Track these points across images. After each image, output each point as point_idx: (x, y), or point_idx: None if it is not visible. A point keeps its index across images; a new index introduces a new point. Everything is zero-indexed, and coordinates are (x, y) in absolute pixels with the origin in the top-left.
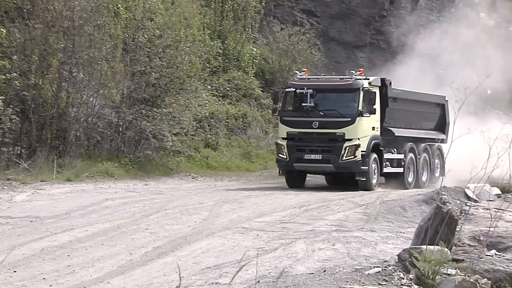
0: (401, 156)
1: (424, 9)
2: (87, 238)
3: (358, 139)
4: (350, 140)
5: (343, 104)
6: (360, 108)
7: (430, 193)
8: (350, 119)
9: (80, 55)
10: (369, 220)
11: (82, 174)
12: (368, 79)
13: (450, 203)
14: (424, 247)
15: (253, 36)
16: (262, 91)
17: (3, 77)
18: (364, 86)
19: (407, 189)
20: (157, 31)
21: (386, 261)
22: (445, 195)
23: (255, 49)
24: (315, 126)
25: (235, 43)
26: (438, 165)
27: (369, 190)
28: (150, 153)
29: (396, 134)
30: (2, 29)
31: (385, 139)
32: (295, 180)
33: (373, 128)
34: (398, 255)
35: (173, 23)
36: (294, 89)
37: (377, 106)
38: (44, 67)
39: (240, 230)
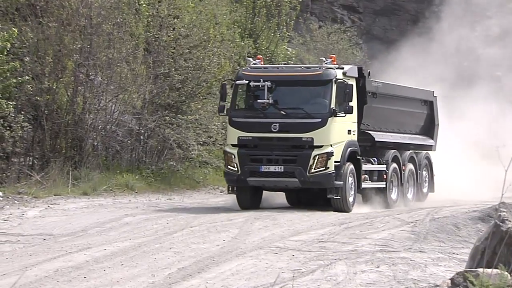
0: (383, 167)
1: (479, 3)
2: (105, 258)
3: (331, 145)
4: (320, 147)
5: (311, 100)
6: (332, 105)
7: (487, 210)
8: (320, 120)
9: (98, 56)
10: (418, 239)
11: (100, 188)
12: (342, 68)
13: (510, 220)
14: (480, 270)
15: (288, 34)
16: None
17: (14, 80)
18: (337, 77)
19: (389, 208)
20: (183, 30)
21: (437, 286)
22: (504, 211)
23: (290, 49)
24: (275, 129)
25: (268, 42)
26: (426, 178)
27: (344, 211)
28: (174, 164)
29: (376, 139)
30: (14, 29)
31: (363, 146)
32: (248, 198)
33: (349, 132)
34: (451, 279)
35: (201, 21)
36: (247, 82)
37: (354, 103)
38: (58, 70)
39: (274, 250)
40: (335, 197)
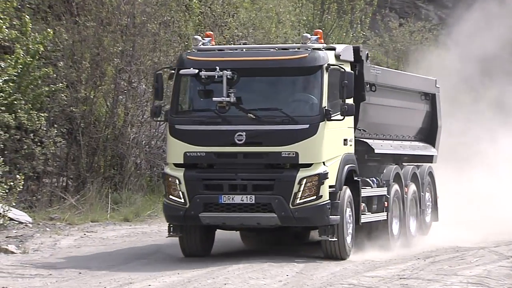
0: (383, 190)
1: None
2: None
3: (323, 163)
4: (308, 166)
5: (293, 97)
6: (324, 104)
7: None
8: (307, 126)
9: (142, 61)
10: None
11: (143, 213)
12: (334, 49)
13: None
14: None
15: (363, 34)
16: None
17: (47, 89)
18: (330, 62)
19: (391, 248)
20: (239, 30)
21: None
22: None
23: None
24: (240, 140)
25: (339, 43)
26: (429, 202)
27: (341, 258)
28: None
29: (376, 151)
30: (49, 30)
31: (359, 160)
32: (198, 243)
33: (345, 142)
34: None
35: (261, 20)
36: (195, 71)
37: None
38: (96, 76)
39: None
40: (330, 239)
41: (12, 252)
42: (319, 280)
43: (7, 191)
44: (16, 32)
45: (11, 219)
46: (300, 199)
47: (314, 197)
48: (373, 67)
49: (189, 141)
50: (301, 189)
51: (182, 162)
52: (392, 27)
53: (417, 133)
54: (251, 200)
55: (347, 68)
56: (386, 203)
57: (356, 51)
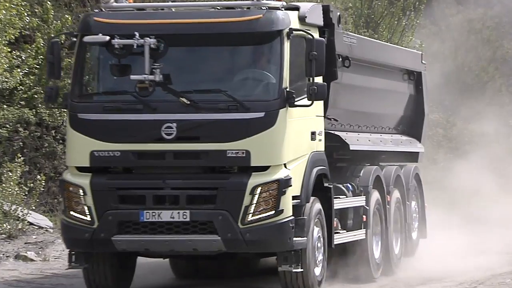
0: (361, 200)
1: None
2: None
3: (284, 166)
4: (263, 169)
5: (243, 74)
6: (286, 84)
7: None
8: (262, 114)
9: None
10: None
11: None
12: (298, 8)
13: None
14: None
15: (417, 22)
16: None
17: (69, 81)
18: (292, 27)
19: (374, 278)
20: None
21: None
22: None
23: (418, 41)
24: (170, 135)
25: (389, 33)
26: (415, 214)
27: None
28: None
29: (352, 147)
30: (66, 16)
31: (328, 160)
32: (109, 275)
33: (313, 136)
34: None
35: None
36: (106, 38)
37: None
38: None
39: None
40: (294, 270)
41: (32, 260)
42: None
43: (26, 193)
44: (37, 20)
45: (30, 223)
46: (252, 216)
47: (272, 212)
48: (346, 34)
49: (98, 136)
50: (254, 201)
51: (88, 165)
52: (449, 15)
53: (398, 123)
54: (184, 217)
55: (316, 35)
56: (364, 216)
57: (326, 11)
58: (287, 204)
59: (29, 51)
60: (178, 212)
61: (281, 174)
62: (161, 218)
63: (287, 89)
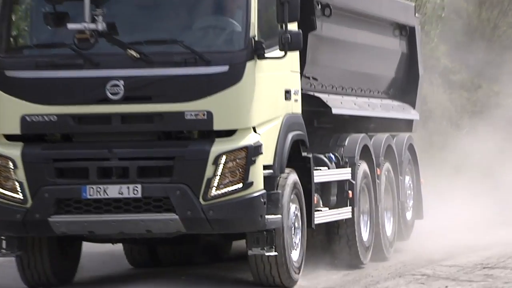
0: (346, 172)
1: None
2: None
3: (253, 130)
4: (229, 134)
5: (202, 21)
6: (253, 32)
7: None
8: (226, 67)
9: None
10: None
11: None
12: None
13: None
14: None
15: None
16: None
17: None
18: None
19: (362, 264)
20: None
21: None
22: None
23: None
24: (116, 94)
25: None
26: (410, 191)
27: (282, 286)
28: None
29: (335, 111)
30: None
31: (307, 126)
32: (47, 264)
33: (288, 95)
34: None
35: None
36: None
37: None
38: None
39: (419, 279)
40: (266, 254)
41: None
42: (386, 270)
43: None
44: None
45: None
46: (216, 190)
47: (240, 185)
48: None
49: (30, 98)
50: (218, 172)
51: (18, 132)
52: None
53: (389, 86)
54: (135, 192)
55: None
56: (350, 192)
57: None
58: (257, 175)
59: None
60: (128, 187)
61: (249, 139)
62: (107, 195)
63: (255, 38)
